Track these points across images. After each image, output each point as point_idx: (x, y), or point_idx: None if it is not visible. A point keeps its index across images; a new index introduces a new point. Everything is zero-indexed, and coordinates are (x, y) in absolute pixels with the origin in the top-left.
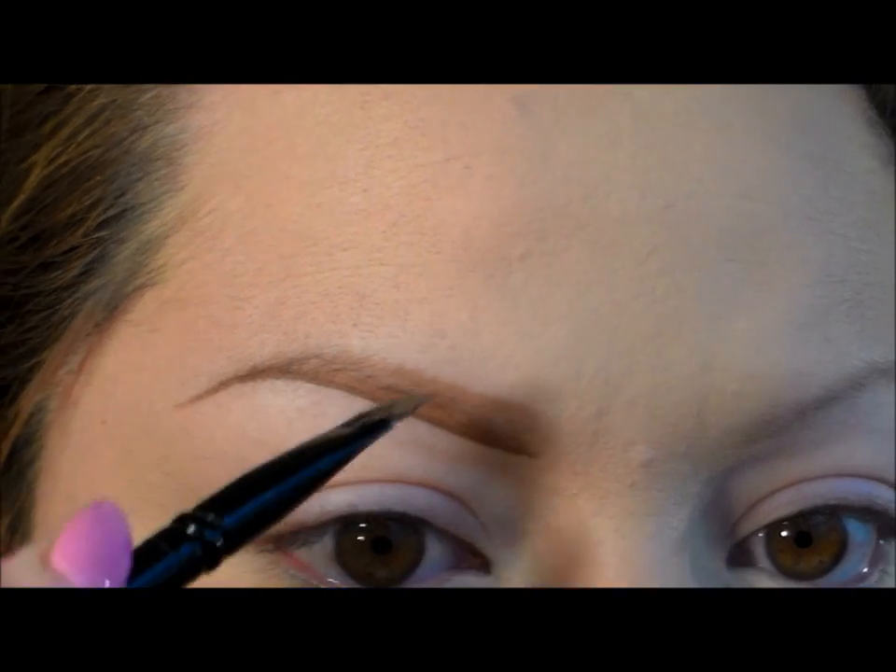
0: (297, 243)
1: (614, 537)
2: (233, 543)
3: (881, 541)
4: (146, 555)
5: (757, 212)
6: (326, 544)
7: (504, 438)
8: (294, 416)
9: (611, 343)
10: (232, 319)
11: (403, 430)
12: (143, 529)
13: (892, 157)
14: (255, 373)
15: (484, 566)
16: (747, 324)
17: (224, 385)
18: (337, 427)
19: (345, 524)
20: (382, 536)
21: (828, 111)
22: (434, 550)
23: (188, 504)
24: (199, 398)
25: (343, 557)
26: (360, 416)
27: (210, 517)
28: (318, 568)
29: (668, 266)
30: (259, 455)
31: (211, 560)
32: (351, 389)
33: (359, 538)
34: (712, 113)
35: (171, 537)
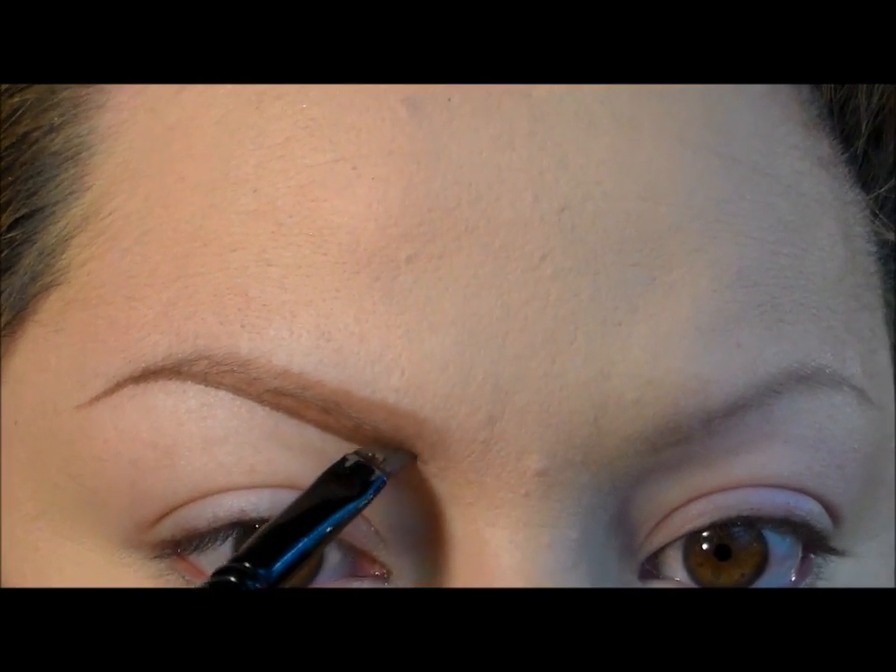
0: (190, 243)
1: (509, 548)
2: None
3: (811, 556)
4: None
5: (660, 214)
6: (221, 550)
7: (392, 444)
8: (184, 418)
9: (502, 349)
10: (128, 320)
11: (293, 434)
12: (50, 532)
13: (835, 158)
14: (147, 374)
15: (383, 575)
16: (648, 329)
17: (119, 386)
18: (329, 476)
19: (241, 529)
20: None
21: (750, 112)
22: (333, 558)
23: (89, 507)
24: (96, 399)
25: None
26: (347, 464)
27: (246, 568)
28: None
29: (563, 270)
30: (152, 457)
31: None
32: (238, 391)
33: None
34: (616, 113)
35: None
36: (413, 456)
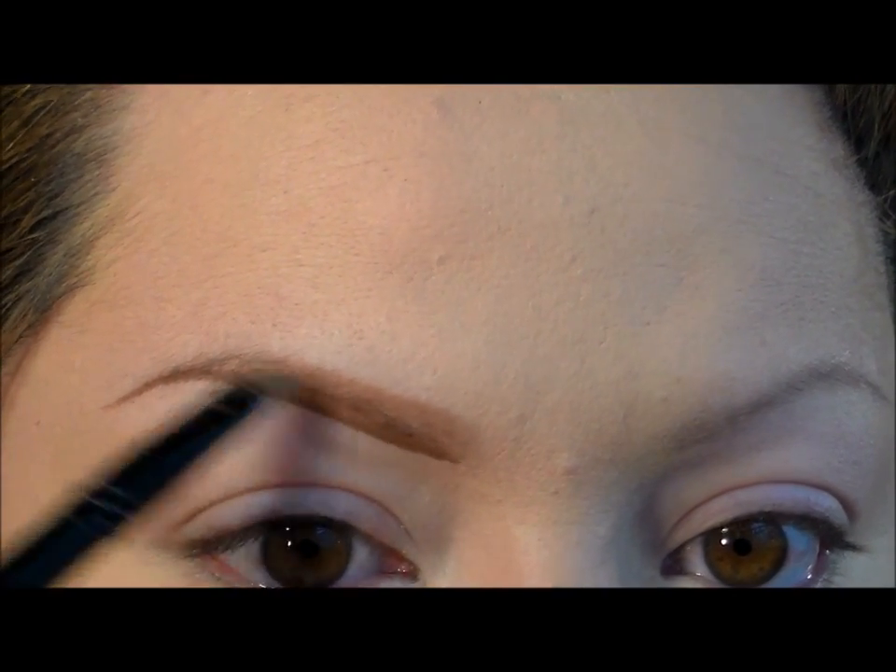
0: (219, 243)
1: (538, 545)
2: (134, 514)
3: (827, 551)
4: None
5: (687, 215)
6: (252, 548)
7: (423, 441)
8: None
9: (533, 349)
10: (157, 320)
11: (323, 431)
12: None
13: (847, 159)
14: (177, 374)
15: (412, 572)
16: (675, 329)
17: (148, 386)
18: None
19: (271, 527)
20: (308, 540)
21: (768, 114)
22: (361, 555)
23: None
24: (125, 399)
25: (269, 561)
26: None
27: (111, 489)
28: (245, 572)
29: (592, 271)
30: None
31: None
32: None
33: (286, 541)
34: (642, 116)
35: (78, 509)
36: (299, 386)
